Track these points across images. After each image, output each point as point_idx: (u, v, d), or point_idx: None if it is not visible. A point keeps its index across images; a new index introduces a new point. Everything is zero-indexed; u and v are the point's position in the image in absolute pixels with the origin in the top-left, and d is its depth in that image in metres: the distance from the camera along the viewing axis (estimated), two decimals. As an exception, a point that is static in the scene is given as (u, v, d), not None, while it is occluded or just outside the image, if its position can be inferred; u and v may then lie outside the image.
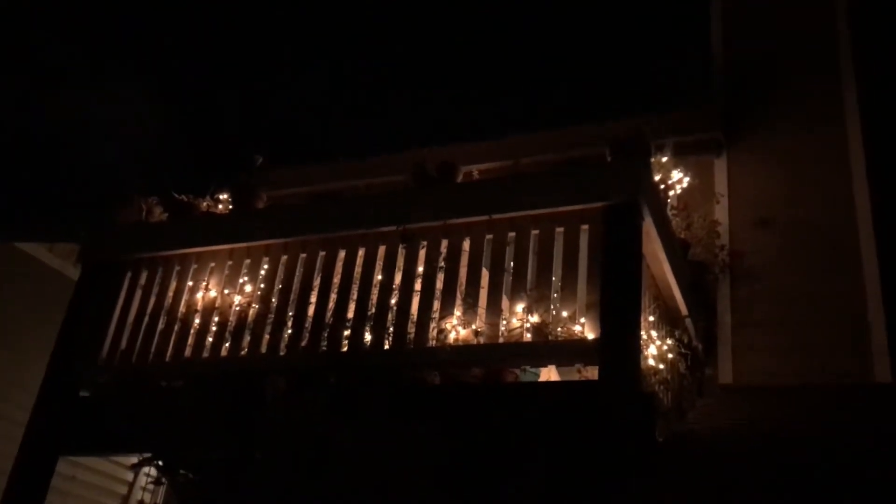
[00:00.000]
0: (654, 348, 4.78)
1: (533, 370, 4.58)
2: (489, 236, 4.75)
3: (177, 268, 5.56)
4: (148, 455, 4.96)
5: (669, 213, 6.22)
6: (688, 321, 5.58)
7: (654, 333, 4.86)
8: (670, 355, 5.16)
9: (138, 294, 5.61)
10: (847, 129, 6.52)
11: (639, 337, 4.18)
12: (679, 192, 6.10)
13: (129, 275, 5.68)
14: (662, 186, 5.41)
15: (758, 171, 6.63)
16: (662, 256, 4.92)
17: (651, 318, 4.90)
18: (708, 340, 6.06)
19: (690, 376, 5.34)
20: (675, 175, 6.03)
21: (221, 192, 6.04)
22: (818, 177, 6.47)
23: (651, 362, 4.61)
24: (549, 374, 5.09)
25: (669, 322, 5.44)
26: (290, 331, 4.99)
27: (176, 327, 5.33)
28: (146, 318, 5.46)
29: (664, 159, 5.50)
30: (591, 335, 4.24)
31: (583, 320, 4.33)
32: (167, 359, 5.26)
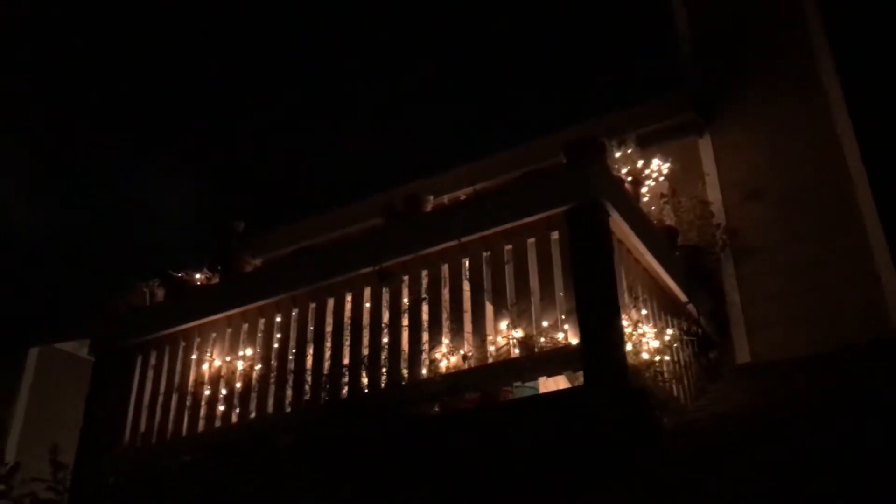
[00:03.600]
0: (651, 341, 4.71)
1: (529, 385, 4.55)
2: (466, 259, 4.76)
3: (182, 344, 5.69)
4: None
5: (661, 200, 6.18)
6: (690, 307, 5.50)
7: (648, 326, 4.79)
8: (675, 345, 5.09)
9: (150, 375, 5.74)
10: (826, 88, 6.40)
11: (620, 333, 4.14)
12: (662, 178, 6.06)
13: (139, 358, 5.82)
14: (631, 178, 5.37)
15: (743, 145, 6.54)
16: (643, 249, 4.88)
17: (644, 312, 4.84)
18: (719, 323, 5.95)
19: (697, 363, 5.24)
20: (656, 163, 5.99)
21: (216, 263, 6.17)
22: (805, 140, 6.35)
23: (646, 356, 4.54)
24: (557, 382, 5.06)
25: (672, 311, 5.36)
26: (291, 386, 5.05)
27: (188, 402, 5.44)
28: (160, 398, 5.59)
29: (629, 151, 5.46)
30: (574, 340, 4.21)
31: (566, 327, 4.31)
32: (184, 434, 5.36)
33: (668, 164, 5.97)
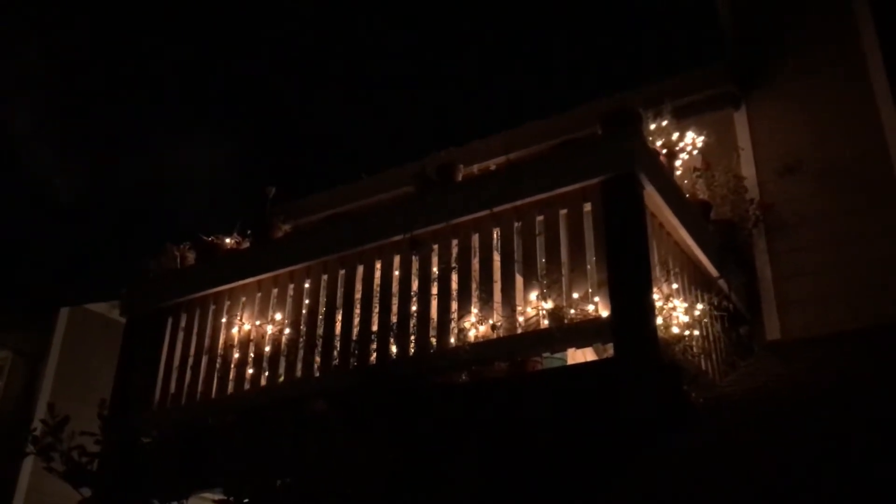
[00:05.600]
0: (681, 315, 4.68)
1: (557, 356, 4.55)
2: (497, 229, 4.75)
3: (212, 307, 5.74)
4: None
5: (693, 174, 6.11)
6: (722, 282, 5.45)
7: (679, 300, 4.75)
8: (705, 320, 5.05)
9: (181, 337, 5.81)
10: (867, 60, 6.24)
11: (651, 306, 4.11)
12: (697, 152, 5.98)
13: (170, 320, 5.89)
14: (665, 151, 5.30)
15: (780, 119, 6.42)
16: (676, 222, 4.83)
17: (675, 286, 4.81)
18: (750, 298, 5.90)
19: (728, 338, 5.21)
20: (690, 136, 5.91)
21: (247, 228, 6.21)
22: (844, 114, 6.22)
23: (676, 329, 4.51)
24: (585, 354, 5.05)
25: (703, 286, 5.32)
26: (320, 351, 5.09)
27: (217, 364, 5.50)
28: (190, 360, 5.66)
29: (664, 123, 5.38)
30: (605, 312, 4.19)
31: (596, 299, 4.29)
32: (213, 396, 5.43)
33: (702, 138, 5.88)
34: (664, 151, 5.31)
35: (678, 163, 5.71)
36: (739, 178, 6.07)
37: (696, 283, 5.23)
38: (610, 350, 4.28)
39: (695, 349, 4.60)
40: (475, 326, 4.57)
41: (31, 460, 9.79)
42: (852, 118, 6.15)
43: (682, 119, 6.02)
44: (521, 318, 4.47)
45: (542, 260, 4.55)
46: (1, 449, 9.80)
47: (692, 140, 5.82)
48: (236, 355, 5.45)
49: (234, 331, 5.55)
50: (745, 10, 6.95)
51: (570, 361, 4.76)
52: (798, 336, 5.71)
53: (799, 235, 6.01)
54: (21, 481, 9.54)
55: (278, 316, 5.42)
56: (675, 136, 5.55)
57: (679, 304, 4.64)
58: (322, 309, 5.22)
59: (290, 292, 5.43)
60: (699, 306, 4.99)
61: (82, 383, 10.10)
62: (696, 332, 4.80)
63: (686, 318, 4.66)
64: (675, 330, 4.46)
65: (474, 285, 4.66)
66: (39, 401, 10.04)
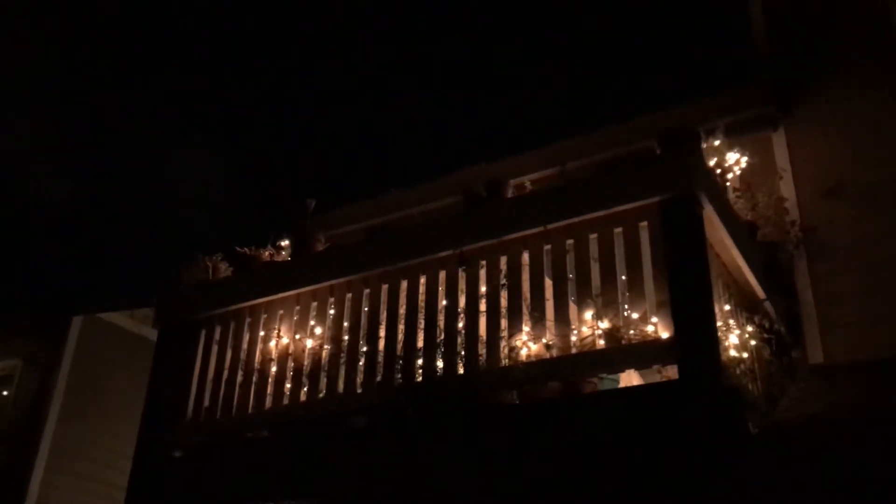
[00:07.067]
0: (735, 337, 4.61)
1: (612, 377, 4.47)
2: (547, 247, 4.67)
3: (248, 319, 5.64)
4: None
5: (732, 195, 6.06)
6: (767, 305, 5.39)
7: (731, 322, 4.69)
8: (753, 342, 4.99)
9: (215, 349, 5.71)
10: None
11: (715, 329, 4.04)
12: (739, 172, 5.94)
13: (203, 332, 5.78)
14: (718, 170, 5.25)
15: (820, 140, 6.38)
16: (729, 243, 4.76)
17: (727, 307, 4.74)
18: (792, 322, 5.84)
19: (777, 362, 5.14)
20: (732, 156, 5.87)
21: (282, 239, 6.13)
22: (885, 135, 6.18)
23: (732, 353, 4.44)
24: (630, 378, 4.98)
25: (748, 308, 5.26)
26: (363, 367, 5.00)
27: (254, 378, 5.40)
28: (225, 373, 5.55)
29: (717, 143, 5.34)
30: (665, 334, 4.12)
31: (655, 320, 4.22)
32: (250, 410, 5.33)
33: (745, 158, 5.84)
34: (717, 170, 5.26)
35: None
36: (782, 200, 6.02)
37: (744, 306, 5.16)
38: (666, 372, 4.20)
39: (751, 374, 4.53)
40: (526, 345, 4.49)
41: (41, 470, 9.66)
42: (894, 138, 6.11)
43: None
44: (574, 338, 4.39)
45: (595, 279, 4.47)
46: (11, 457, 9.66)
47: (735, 160, 5.78)
48: (274, 369, 5.36)
49: (272, 344, 5.45)
50: (781, 31, 6.93)
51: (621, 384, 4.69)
52: (840, 360, 5.65)
53: (840, 258, 5.96)
54: (31, 490, 9.40)
55: (318, 330, 5.33)
56: (727, 155, 5.50)
57: (733, 327, 4.58)
58: (364, 323, 5.14)
59: (331, 307, 5.34)
60: (749, 329, 4.93)
61: (94, 393, 9.98)
62: (746, 355, 4.73)
63: (736, 342, 4.59)
64: (733, 353, 4.39)
65: (524, 303, 4.58)
66: (50, 410, 9.91)
